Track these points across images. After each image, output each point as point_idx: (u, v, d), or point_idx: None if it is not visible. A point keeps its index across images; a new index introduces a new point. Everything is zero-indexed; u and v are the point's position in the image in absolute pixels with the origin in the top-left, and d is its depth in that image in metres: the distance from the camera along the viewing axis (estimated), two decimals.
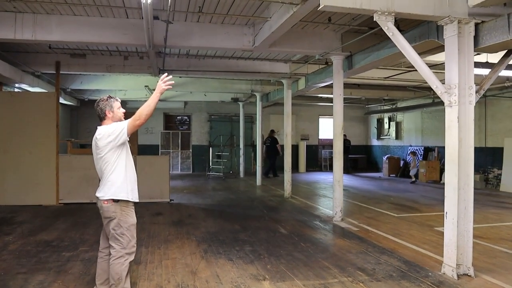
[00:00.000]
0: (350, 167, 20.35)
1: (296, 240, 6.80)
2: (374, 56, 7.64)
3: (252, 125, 20.81)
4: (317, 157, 22.21)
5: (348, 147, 19.85)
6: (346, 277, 4.96)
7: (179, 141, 20.49)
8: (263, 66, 11.40)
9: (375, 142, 22.01)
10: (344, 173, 18.86)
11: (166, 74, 4.04)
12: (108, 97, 4.02)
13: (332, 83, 10.58)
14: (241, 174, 18.25)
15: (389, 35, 4.99)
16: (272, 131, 18.72)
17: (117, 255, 3.85)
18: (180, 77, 13.23)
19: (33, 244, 6.39)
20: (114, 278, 3.83)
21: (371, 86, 15.20)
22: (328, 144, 22.41)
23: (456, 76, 4.96)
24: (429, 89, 15.25)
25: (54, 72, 10.33)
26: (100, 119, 3.99)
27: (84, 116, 19.15)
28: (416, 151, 18.03)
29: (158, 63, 10.05)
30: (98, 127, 3.96)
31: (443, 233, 7.43)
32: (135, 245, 4.01)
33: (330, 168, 21.81)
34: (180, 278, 4.87)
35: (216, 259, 5.66)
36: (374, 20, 4.95)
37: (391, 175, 18.73)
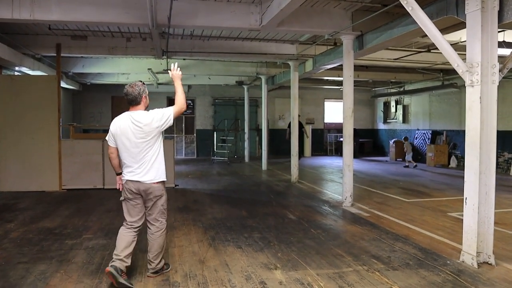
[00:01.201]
0: (357, 151, 20.07)
1: (306, 227, 6.58)
2: (386, 35, 7.31)
3: (257, 109, 20.51)
4: (322, 141, 21.93)
5: (355, 130, 19.63)
6: (361, 265, 4.74)
7: (183, 125, 20.24)
8: (269, 48, 11.07)
9: (381, 126, 21.68)
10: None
11: (174, 64, 4.36)
12: (142, 82, 4.19)
13: (341, 65, 10.34)
14: (246, 159, 18.02)
15: (408, 10, 4.68)
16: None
17: (163, 227, 4.30)
18: (184, 59, 12.88)
19: (35, 231, 6.19)
20: (160, 247, 4.28)
21: (379, 68, 14.88)
22: (334, 128, 22.16)
23: (479, 54, 4.65)
24: (439, 71, 14.96)
25: (55, 54, 10.05)
26: (134, 103, 4.12)
27: (86, 100, 18.91)
28: (414, 136, 17.75)
29: (162, 44, 9.74)
30: (133, 111, 4.12)
31: (457, 218, 7.27)
32: None
33: (335, 152, 21.61)
34: (188, 267, 4.66)
35: (224, 246, 5.45)
36: None
37: (397, 159, 18.46)
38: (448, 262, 4.88)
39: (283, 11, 6.50)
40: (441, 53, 11.38)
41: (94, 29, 9.54)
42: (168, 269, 4.53)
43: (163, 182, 4.25)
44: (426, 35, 8.72)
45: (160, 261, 4.37)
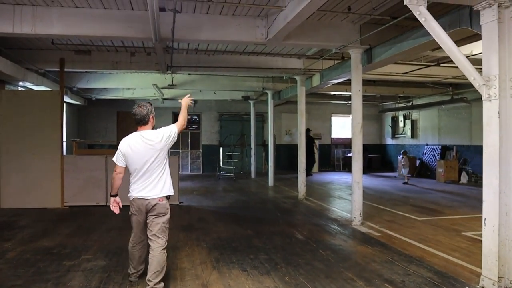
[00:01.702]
0: (365, 167, 19.72)
1: (314, 247, 6.30)
2: (396, 48, 7.11)
3: (263, 124, 20.33)
4: (329, 157, 21.64)
5: (363, 146, 19.35)
6: None
7: (189, 141, 20.06)
8: (276, 62, 10.91)
9: (389, 141, 21.39)
10: None
11: (189, 95, 4.79)
12: (149, 103, 4.39)
13: (348, 79, 10.13)
14: (252, 175, 17.77)
15: (421, 21, 4.46)
16: (308, 130, 18.33)
17: (163, 245, 4.29)
18: (189, 74, 12.79)
19: (32, 251, 5.95)
20: (160, 265, 4.22)
21: (387, 82, 14.66)
22: (341, 143, 21.91)
23: (496, 67, 4.42)
24: (448, 85, 14.71)
25: (58, 69, 9.92)
26: (142, 123, 4.31)
27: (92, 115, 18.80)
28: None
29: (166, 59, 9.61)
30: (142, 131, 4.32)
31: (472, 238, 6.96)
32: None
33: (343, 168, 21.30)
34: None
35: (229, 269, 5.18)
36: (405, 4, 4.43)
37: (407, 175, 18.09)
38: (467, 287, 4.57)
39: (290, 24, 6.32)
40: (451, 66, 11.26)
41: (97, 44, 9.43)
42: None
43: (168, 198, 4.37)
44: (436, 48, 8.57)
45: (159, 282, 4.23)
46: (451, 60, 10.36)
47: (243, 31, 7.40)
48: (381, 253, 5.96)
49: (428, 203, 10.64)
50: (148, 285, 4.18)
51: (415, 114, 19.22)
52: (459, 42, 6.83)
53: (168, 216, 4.36)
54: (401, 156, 17.23)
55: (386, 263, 5.48)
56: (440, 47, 8.42)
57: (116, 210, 4.57)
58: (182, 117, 4.54)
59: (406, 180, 15.46)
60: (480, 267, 4.84)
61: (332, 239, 6.85)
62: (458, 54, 4.47)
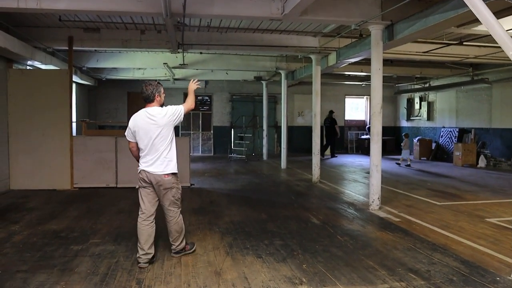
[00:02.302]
0: None
1: (331, 233, 6.03)
2: (420, 24, 6.68)
3: (276, 105, 19.96)
4: (343, 139, 21.24)
5: None
6: (398, 281, 4.17)
7: (200, 122, 19.80)
8: (290, 40, 10.50)
9: (404, 123, 20.90)
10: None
11: (196, 79, 5.06)
12: (157, 82, 4.62)
13: (365, 58, 9.77)
14: (264, 157, 17.49)
15: None
16: (331, 112, 18.81)
17: (176, 215, 4.67)
18: (200, 53, 12.41)
19: (40, 234, 5.77)
20: (178, 231, 4.69)
21: (405, 62, 14.18)
22: (355, 125, 21.50)
23: None
24: (469, 65, 14.18)
25: (67, 48, 9.64)
26: (148, 100, 4.57)
27: (102, 96, 18.59)
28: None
29: (177, 37, 9.25)
30: (148, 107, 4.56)
31: (497, 225, 6.62)
32: None
33: (356, 150, 20.95)
34: (202, 280, 4.16)
35: (243, 255, 4.94)
36: None
37: (422, 158, 17.70)
38: (498, 279, 4.26)
39: None
40: (474, 45, 10.75)
41: (106, 21, 9.09)
42: (192, 250, 4.95)
43: (174, 174, 4.56)
44: (462, 25, 8.13)
45: (181, 242, 4.78)
46: (475, 38, 9.95)
47: (257, 5, 7.01)
48: (403, 240, 5.67)
49: (447, 188, 10.28)
50: (172, 246, 4.78)
51: (431, 96, 18.68)
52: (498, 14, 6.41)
53: (176, 189, 4.59)
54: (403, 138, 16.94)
55: (408, 250, 5.19)
56: (466, 23, 8.05)
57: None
58: (190, 99, 4.78)
59: (408, 163, 15.18)
60: (511, 257, 4.53)
61: (349, 224, 6.57)
62: (495, 25, 4.07)
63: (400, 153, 16.32)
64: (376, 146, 7.63)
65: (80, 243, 5.37)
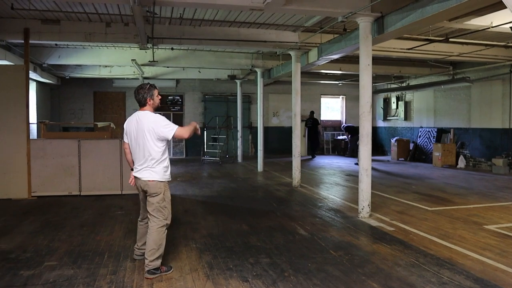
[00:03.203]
0: (356, 150, 19.00)
1: (322, 246, 5.38)
2: (416, 15, 6.11)
3: (250, 105, 19.32)
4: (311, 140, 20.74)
5: (354, 130, 18.60)
6: None
7: (171, 121, 18.84)
8: (269, 35, 9.83)
9: (380, 123, 20.58)
10: (348, 156, 17.76)
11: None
12: (149, 85, 4.48)
13: (346, 55, 9.19)
14: (239, 159, 16.78)
15: None
16: (312, 112, 18.86)
17: (160, 224, 4.34)
18: (172, 48, 11.63)
19: None
20: (156, 244, 4.29)
21: (384, 60, 13.75)
22: (331, 126, 21.07)
23: None
24: (449, 63, 13.86)
25: (22, 41, 8.68)
26: (140, 104, 4.44)
27: (66, 96, 17.45)
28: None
29: (147, 29, 8.46)
30: (140, 111, 4.42)
31: (499, 233, 6.12)
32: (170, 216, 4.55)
33: (332, 151, 20.54)
34: None
35: (226, 279, 4.22)
36: None
37: (400, 159, 17.37)
38: None
39: None
40: (459, 42, 10.34)
41: (66, 10, 8.16)
42: (168, 272, 4.41)
43: (161, 182, 4.38)
44: (458, 17, 7.62)
45: (156, 259, 4.30)
46: (461, 35, 9.51)
47: None
48: (403, 254, 5.07)
49: (433, 190, 9.83)
50: (145, 261, 4.30)
51: (408, 96, 18.39)
52: (479, 11, 5.95)
53: (161, 196, 4.36)
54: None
55: (412, 267, 4.59)
56: (462, 15, 7.55)
57: (132, 183, 4.60)
58: (188, 129, 4.43)
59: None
60: None
61: (340, 236, 5.93)
62: None
63: (376, 154, 16.04)
64: (365, 148, 7.04)
65: (32, 267, 4.53)
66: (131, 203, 7.97)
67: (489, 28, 7.75)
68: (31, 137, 9.00)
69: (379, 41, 7.70)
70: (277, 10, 6.74)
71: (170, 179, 4.50)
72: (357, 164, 15.21)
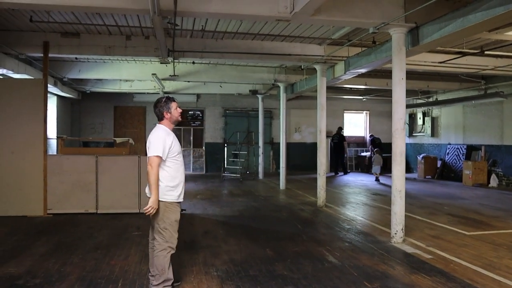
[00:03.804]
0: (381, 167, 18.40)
1: (355, 277, 4.89)
2: (456, 24, 5.65)
3: (271, 120, 18.94)
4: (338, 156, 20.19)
5: (379, 144, 18.06)
6: None
7: (191, 138, 18.63)
8: (293, 48, 9.47)
9: (406, 139, 19.77)
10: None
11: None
12: (166, 98, 4.27)
13: (373, 70, 8.75)
14: (260, 175, 16.33)
15: None
16: (340, 128, 18.50)
17: (160, 247, 4.10)
18: (193, 62, 11.38)
19: None
20: (158, 269, 4.10)
21: (411, 74, 13.21)
22: (354, 142, 20.51)
23: None
24: (480, 78, 13.27)
25: (42, 55, 8.50)
26: (159, 119, 4.27)
27: (86, 110, 17.37)
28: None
29: (167, 42, 8.18)
30: (157, 124, 4.29)
31: None
32: (177, 239, 4.22)
33: (356, 168, 19.94)
34: None
35: None
36: None
37: (427, 176, 16.69)
38: None
39: None
40: (495, 55, 9.79)
41: (86, 22, 7.94)
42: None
43: (161, 201, 4.09)
44: (496, 29, 7.12)
45: (161, 284, 4.11)
46: (496, 47, 8.96)
47: (262, 2, 5.96)
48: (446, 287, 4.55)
49: (468, 212, 9.22)
50: (150, 281, 4.26)
51: (436, 111, 17.76)
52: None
53: (159, 216, 4.08)
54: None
55: None
56: (501, 26, 7.05)
57: None
58: (149, 179, 4.05)
59: (376, 177, 15.44)
60: None
61: (374, 264, 5.42)
62: None
63: (407, 171, 15.41)
64: (399, 168, 6.55)
65: None
66: (149, 223, 7.59)
67: None
68: (50, 153, 8.81)
69: (413, 54, 7.24)
70: (305, 20, 6.36)
71: (176, 200, 4.17)
72: (377, 180, 15.00)
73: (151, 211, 3.98)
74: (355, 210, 9.56)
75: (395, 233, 6.52)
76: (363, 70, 9.30)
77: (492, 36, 7.37)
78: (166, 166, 4.11)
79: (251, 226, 7.71)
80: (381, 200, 10.77)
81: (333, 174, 17.77)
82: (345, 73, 9.50)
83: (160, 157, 4.01)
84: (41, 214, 8.27)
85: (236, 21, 7.83)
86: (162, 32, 7.07)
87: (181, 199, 4.24)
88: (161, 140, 4.05)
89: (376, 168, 15.68)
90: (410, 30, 6.64)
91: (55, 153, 12.75)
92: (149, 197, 4.07)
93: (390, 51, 7.10)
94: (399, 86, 6.51)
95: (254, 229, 7.50)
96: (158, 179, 4.01)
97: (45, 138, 8.45)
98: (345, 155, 18.64)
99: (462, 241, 6.67)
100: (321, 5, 5.78)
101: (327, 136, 18.86)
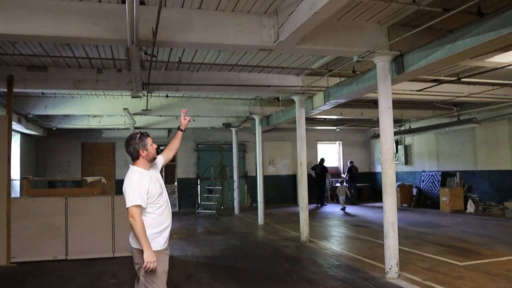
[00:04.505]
0: (355, 197, 18.28)
1: None
2: (443, 51, 5.56)
3: (245, 153, 18.60)
4: (315, 188, 19.94)
5: (355, 174, 18.02)
6: None
7: (163, 174, 17.98)
8: (271, 80, 9.27)
9: (380, 168, 19.77)
10: (350, 204, 16.98)
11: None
12: (139, 134, 3.80)
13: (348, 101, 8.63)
14: (236, 210, 15.84)
15: None
16: (322, 160, 18.19)
17: None
18: (166, 96, 11.00)
19: None
20: None
21: None
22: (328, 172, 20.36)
23: None
24: (453, 105, 13.45)
25: (5, 90, 7.96)
26: (133, 158, 3.81)
27: (53, 148, 16.51)
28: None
29: (142, 75, 7.82)
30: (131, 166, 3.81)
31: None
32: None
33: (331, 199, 19.69)
34: None
35: None
36: None
37: (403, 205, 16.60)
38: None
39: (317, 16, 4.68)
40: (471, 82, 9.88)
41: (54, 55, 7.48)
42: None
43: (142, 251, 3.56)
44: (483, 54, 7.09)
45: None
46: (477, 74, 9.04)
47: (245, 31, 5.72)
48: None
49: (453, 240, 9.05)
50: None
51: (408, 139, 17.91)
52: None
53: (145, 268, 3.50)
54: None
55: None
56: (482, 54, 7.06)
57: None
58: (135, 232, 3.54)
59: (342, 207, 15.84)
60: None
61: None
62: None
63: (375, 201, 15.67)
64: (390, 199, 6.31)
65: None
66: (125, 268, 7.01)
67: (510, 65, 7.27)
68: (13, 195, 8.14)
69: (398, 81, 7.14)
70: (289, 50, 6.17)
71: (162, 248, 3.68)
72: (343, 209, 15.32)
73: (151, 266, 3.47)
74: (340, 244, 9.23)
75: (390, 268, 6.21)
76: (343, 100, 9.18)
77: (472, 63, 7.38)
78: (148, 212, 3.64)
79: (235, 267, 7.23)
80: (364, 232, 10.50)
81: (314, 206, 17.40)
82: (324, 103, 9.35)
83: (140, 206, 3.54)
84: (4, 264, 7.53)
85: (214, 52, 7.58)
86: (138, 64, 6.72)
87: (167, 244, 3.78)
88: (136, 186, 3.58)
89: (341, 199, 16.18)
90: (394, 58, 6.55)
91: (18, 195, 11.96)
92: (135, 248, 3.65)
93: (372, 80, 7.01)
94: (386, 115, 6.35)
95: (239, 270, 7.03)
96: (144, 229, 3.52)
97: (9, 180, 7.81)
98: (326, 187, 18.42)
99: (457, 272, 6.43)
100: (306, 34, 5.59)
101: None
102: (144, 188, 3.60)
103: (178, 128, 4.41)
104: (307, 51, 6.63)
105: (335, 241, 9.59)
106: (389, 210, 6.30)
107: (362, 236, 10.07)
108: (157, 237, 3.66)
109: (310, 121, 16.38)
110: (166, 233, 3.76)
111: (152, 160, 3.83)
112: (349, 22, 6.21)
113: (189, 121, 4.46)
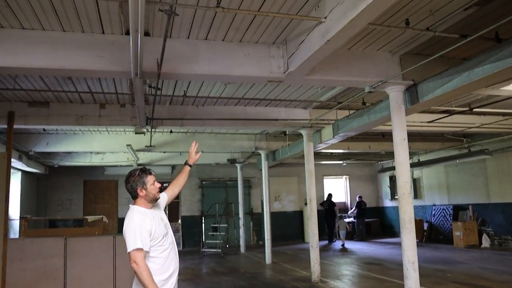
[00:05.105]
0: (364, 233, 17.77)
1: None
2: (461, 79, 5.32)
3: (250, 190, 18.20)
4: (323, 224, 19.44)
5: (364, 209, 17.59)
6: None
7: (166, 211, 17.58)
8: (278, 113, 9.05)
9: (388, 203, 19.49)
10: (358, 240, 16.52)
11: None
12: (139, 171, 3.44)
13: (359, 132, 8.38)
14: (242, 249, 15.31)
15: None
16: (330, 195, 17.96)
17: None
18: (171, 131, 10.78)
19: None
20: None
21: (389, 136, 12.91)
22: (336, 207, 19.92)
23: None
24: (462, 136, 13.16)
25: (6, 126, 7.74)
26: (132, 197, 3.45)
27: (54, 185, 16.21)
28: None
29: (146, 110, 7.60)
30: (131, 206, 3.44)
31: None
32: None
33: (338, 235, 19.13)
34: None
35: None
36: None
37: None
38: None
39: (330, 44, 4.47)
40: (483, 113, 9.63)
41: (56, 89, 7.29)
42: None
43: None
44: (501, 81, 6.84)
45: None
46: (490, 103, 8.78)
47: (253, 62, 5.52)
48: None
49: (473, 278, 8.59)
50: None
51: (416, 172, 17.53)
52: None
53: None
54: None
55: None
56: (501, 81, 6.81)
57: None
58: (141, 279, 3.14)
59: (342, 243, 15.75)
60: None
61: None
62: None
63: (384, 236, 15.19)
64: (409, 236, 5.97)
65: None
66: None
67: None
68: (13, 235, 7.78)
69: (411, 112, 6.89)
70: (299, 81, 5.93)
71: None
72: (343, 245, 15.13)
73: None
74: (353, 284, 8.77)
75: None
76: (353, 133, 8.92)
77: (488, 91, 7.15)
78: (152, 257, 3.25)
79: None
80: (377, 271, 10.02)
81: (322, 243, 16.88)
82: (333, 137, 9.07)
83: (142, 249, 3.16)
84: None
85: (220, 85, 7.39)
86: (142, 97, 6.50)
87: None
88: (137, 229, 3.20)
89: (342, 233, 16.05)
90: (407, 88, 6.32)
91: (17, 235, 11.57)
92: None
93: (385, 111, 6.78)
94: (401, 147, 6.09)
95: None
96: (151, 274, 3.12)
97: (6, 220, 7.45)
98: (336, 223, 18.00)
99: None
100: (316, 65, 5.38)
101: (306, 204, 18.23)
102: (146, 230, 3.22)
103: (186, 163, 3.99)
104: (317, 82, 6.40)
105: (348, 280, 9.12)
106: (408, 248, 5.93)
107: (375, 275, 9.58)
108: (164, 285, 3.24)
109: (316, 155, 15.92)
110: (174, 279, 3.34)
111: (153, 201, 3.42)
112: (360, 51, 6.01)
113: (200, 155, 4.04)
